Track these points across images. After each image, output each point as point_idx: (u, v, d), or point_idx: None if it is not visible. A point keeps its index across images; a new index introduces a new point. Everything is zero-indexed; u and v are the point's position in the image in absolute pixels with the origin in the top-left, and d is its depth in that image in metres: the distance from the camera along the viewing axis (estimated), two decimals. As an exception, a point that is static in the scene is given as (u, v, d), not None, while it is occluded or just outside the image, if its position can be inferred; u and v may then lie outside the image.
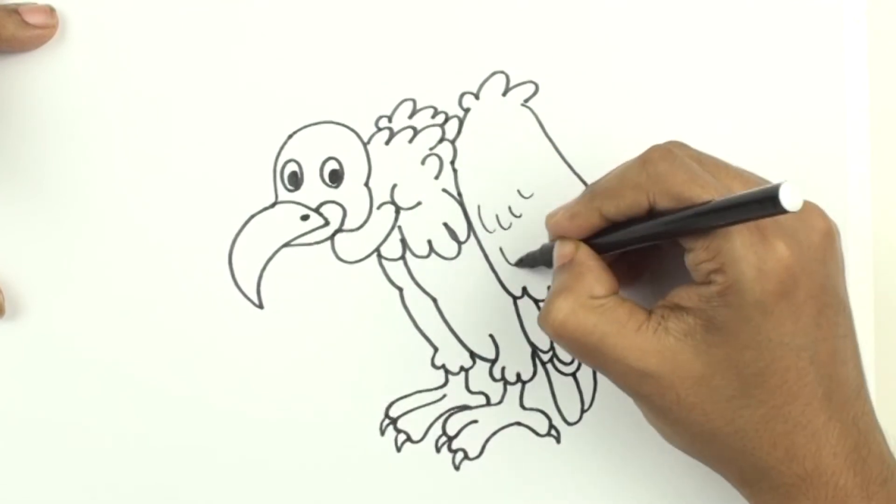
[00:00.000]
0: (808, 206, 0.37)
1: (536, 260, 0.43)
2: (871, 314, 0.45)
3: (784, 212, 0.30)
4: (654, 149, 0.37)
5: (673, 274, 0.38)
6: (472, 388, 0.45)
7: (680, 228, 0.35)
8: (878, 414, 0.38)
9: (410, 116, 0.44)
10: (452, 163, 0.44)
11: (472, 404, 0.45)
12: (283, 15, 0.44)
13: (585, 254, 0.38)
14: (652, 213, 0.36)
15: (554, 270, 0.39)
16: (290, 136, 0.44)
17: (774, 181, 0.31)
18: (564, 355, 0.45)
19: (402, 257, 0.44)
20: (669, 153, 0.36)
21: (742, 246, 0.34)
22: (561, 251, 0.39)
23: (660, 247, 0.41)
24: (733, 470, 0.38)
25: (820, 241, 0.36)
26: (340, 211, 0.44)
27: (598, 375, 0.45)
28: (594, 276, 0.38)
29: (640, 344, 0.36)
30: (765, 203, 0.31)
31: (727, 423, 0.36)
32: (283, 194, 0.44)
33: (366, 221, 0.44)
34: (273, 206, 0.44)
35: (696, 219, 0.35)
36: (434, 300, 0.45)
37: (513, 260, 0.44)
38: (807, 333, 0.35)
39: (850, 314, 0.37)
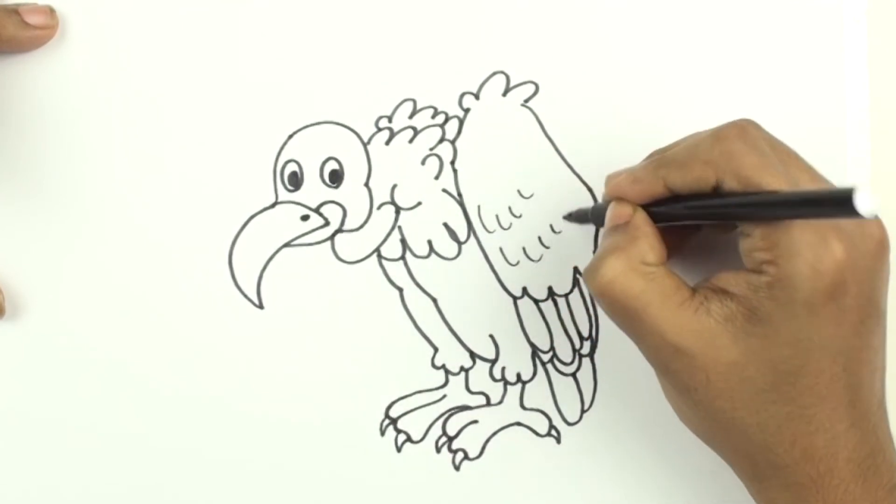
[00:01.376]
0: None
1: (586, 217, 0.42)
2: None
3: (857, 216, 0.29)
4: (731, 125, 0.36)
5: (715, 256, 0.38)
6: (472, 389, 0.45)
7: (744, 213, 0.35)
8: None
9: (410, 116, 0.44)
10: (452, 163, 0.44)
11: (472, 404, 0.45)
12: (282, 15, 0.44)
13: (642, 219, 0.38)
14: (717, 191, 0.36)
15: (605, 230, 0.39)
16: (290, 136, 0.44)
17: (841, 183, 0.30)
18: (565, 355, 0.45)
19: (402, 257, 0.44)
20: (745, 132, 0.36)
21: (801, 241, 0.34)
22: (618, 211, 0.38)
23: (704, 227, 0.40)
24: (746, 462, 0.37)
25: (875, 249, 0.36)
26: (340, 211, 0.44)
27: (598, 375, 0.45)
28: (648, 243, 0.37)
29: (680, 320, 0.36)
30: (840, 205, 0.30)
31: (751, 415, 0.36)
32: (283, 194, 0.44)
33: (366, 221, 0.44)
34: (273, 206, 0.44)
35: (764, 208, 0.34)
36: (434, 300, 0.45)
37: (513, 260, 0.44)
38: (846, 339, 0.35)
39: (885, 327, 0.37)
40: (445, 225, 0.44)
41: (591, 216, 0.42)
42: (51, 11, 0.43)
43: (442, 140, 0.44)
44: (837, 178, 0.45)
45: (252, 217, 0.44)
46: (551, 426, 0.45)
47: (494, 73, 0.45)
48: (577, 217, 0.43)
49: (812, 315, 0.34)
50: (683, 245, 0.41)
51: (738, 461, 0.38)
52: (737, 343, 0.35)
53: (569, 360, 0.45)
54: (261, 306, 0.44)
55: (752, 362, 0.35)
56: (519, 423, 0.45)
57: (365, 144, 0.44)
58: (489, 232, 0.44)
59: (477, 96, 0.44)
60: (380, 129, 0.44)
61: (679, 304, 0.36)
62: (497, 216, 0.44)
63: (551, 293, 0.45)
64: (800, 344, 0.35)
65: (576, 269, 0.45)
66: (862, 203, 0.29)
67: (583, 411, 0.45)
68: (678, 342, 0.36)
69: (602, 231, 0.39)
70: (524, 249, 0.44)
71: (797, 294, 0.34)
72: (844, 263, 0.34)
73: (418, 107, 0.44)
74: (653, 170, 0.38)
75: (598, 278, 0.37)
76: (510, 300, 0.45)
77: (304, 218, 0.44)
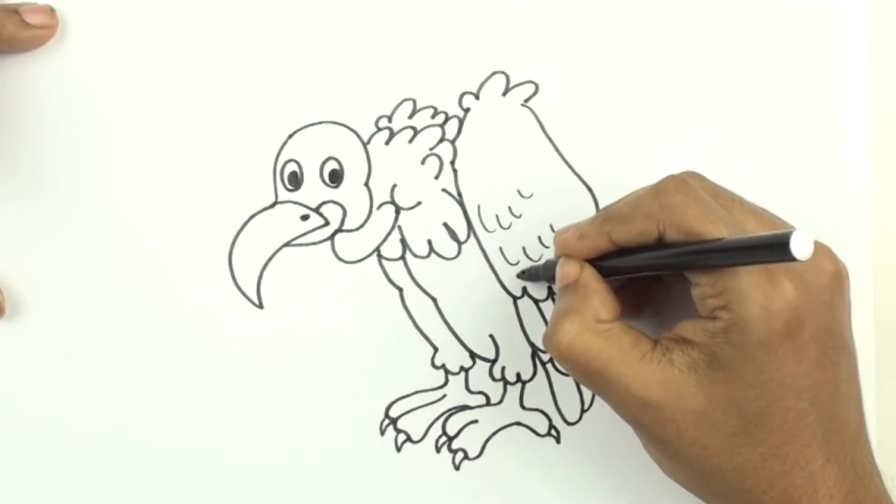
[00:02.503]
0: (818, 248, 0.36)
1: (539, 274, 0.43)
2: (871, 317, 0.45)
3: (793, 259, 0.30)
4: (670, 179, 0.37)
5: (678, 308, 0.38)
6: (472, 388, 0.45)
7: (687, 262, 0.35)
8: (879, 427, 0.38)
9: (410, 116, 0.44)
10: (452, 163, 0.44)
11: (472, 404, 0.45)
12: (282, 15, 0.44)
13: (590, 275, 0.38)
14: (661, 244, 0.36)
15: (557, 290, 0.39)
16: (290, 136, 0.44)
17: (785, 227, 0.31)
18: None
19: (402, 257, 0.44)
20: (685, 184, 0.36)
21: (749, 285, 0.34)
22: (565, 270, 0.39)
23: (665, 280, 0.41)
24: None
25: (828, 283, 0.36)
26: (340, 211, 0.44)
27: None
28: (599, 300, 0.38)
29: (644, 373, 0.36)
30: (774, 249, 0.31)
31: (726, 460, 0.36)
32: (283, 194, 0.44)
33: (366, 221, 0.44)
34: (273, 206, 0.44)
35: (705, 255, 0.34)
36: (434, 300, 0.45)
37: (513, 260, 0.44)
38: (809, 375, 0.35)
39: (854, 357, 0.37)
40: (445, 225, 0.44)
41: (542, 273, 0.43)
42: (51, 11, 0.43)
43: (442, 140, 0.44)
44: (837, 179, 0.45)
45: (252, 217, 0.44)
46: (551, 426, 0.45)
47: (494, 73, 0.45)
48: (530, 275, 0.44)
49: (770, 355, 0.34)
50: (646, 301, 0.42)
51: None
52: (702, 390, 0.36)
53: (569, 359, 0.45)
54: (261, 306, 0.44)
55: (719, 408, 0.35)
56: (519, 423, 0.45)
57: (365, 144, 0.44)
58: (489, 232, 0.44)
59: (477, 96, 0.44)
60: (380, 129, 0.44)
61: (640, 357, 0.36)
62: (497, 216, 0.44)
63: (551, 293, 0.45)
64: (762, 385, 0.35)
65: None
66: (797, 247, 0.30)
67: (583, 411, 0.45)
68: (644, 396, 0.36)
69: (555, 289, 0.39)
70: (524, 249, 0.44)
71: (752, 336, 0.34)
72: (796, 301, 0.34)
73: (418, 107, 0.44)
74: (598, 225, 0.38)
75: (557, 343, 0.37)
76: (510, 300, 0.45)
77: (304, 218, 0.44)
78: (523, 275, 0.44)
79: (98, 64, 0.44)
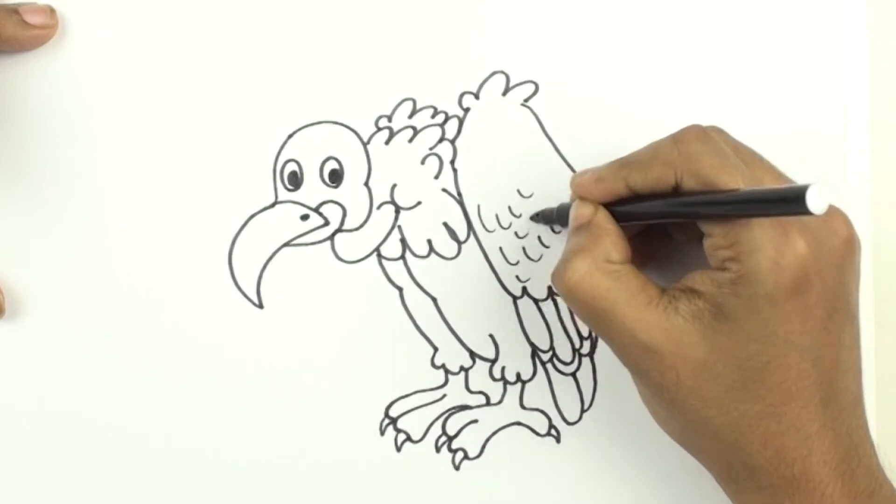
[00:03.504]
0: (834, 211, 0.37)
1: (552, 217, 0.43)
2: (872, 315, 0.45)
3: (808, 213, 0.30)
4: (691, 128, 0.37)
5: (684, 265, 0.38)
6: (472, 388, 0.45)
7: (701, 212, 0.35)
8: (880, 416, 0.38)
9: (410, 116, 0.44)
10: (452, 163, 0.44)
11: (472, 404, 0.45)
12: (282, 15, 0.44)
13: (604, 217, 0.38)
14: (677, 192, 0.36)
15: (570, 230, 0.39)
16: (290, 136, 0.44)
17: (805, 182, 0.31)
18: (565, 355, 0.45)
19: (402, 257, 0.44)
20: (704, 135, 0.36)
21: (761, 237, 0.34)
22: (580, 211, 0.39)
23: (674, 237, 0.41)
24: (721, 464, 0.37)
25: (840, 246, 0.36)
26: (340, 211, 0.44)
27: (598, 375, 0.45)
28: (611, 241, 0.37)
29: (649, 318, 0.36)
30: (790, 202, 0.31)
31: (722, 414, 0.36)
32: (283, 194, 0.44)
33: (366, 221, 0.44)
34: (273, 205, 0.44)
35: (719, 206, 0.34)
36: (434, 300, 0.45)
37: (513, 260, 0.44)
38: (813, 336, 0.35)
39: (857, 326, 0.37)
40: (445, 224, 0.44)
41: (556, 216, 0.43)
42: (51, 11, 0.43)
43: (442, 140, 0.44)
44: (837, 178, 0.45)
45: (252, 217, 0.44)
46: (551, 426, 0.45)
47: (494, 73, 0.45)
48: (543, 217, 0.44)
49: (776, 309, 0.34)
50: (655, 253, 0.42)
51: (712, 463, 0.38)
52: (705, 340, 0.36)
53: (569, 359, 0.45)
54: (261, 306, 0.44)
55: (720, 360, 0.35)
56: (519, 423, 0.45)
57: (365, 144, 0.44)
58: (489, 231, 0.44)
59: (477, 96, 0.44)
60: (379, 129, 0.44)
61: (647, 302, 0.36)
62: (497, 216, 0.44)
63: (551, 293, 0.45)
64: (765, 339, 0.35)
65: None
66: (812, 200, 0.30)
67: (583, 411, 0.45)
68: (647, 340, 0.36)
69: (567, 231, 0.39)
70: (524, 249, 0.44)
71: (759, 289, 0.34)
72: (807, 258, 0.34)
73: (418, 106, 0.44)
74: (616, 170, 0.38)
75: (565, 280, 0.37)
76: (510, 300, 0.45)
77: (304, 217, 0.44)
78: (537, 217, 0.44)
79: (98, 64, 0.44)
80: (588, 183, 0.39)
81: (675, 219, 0.37)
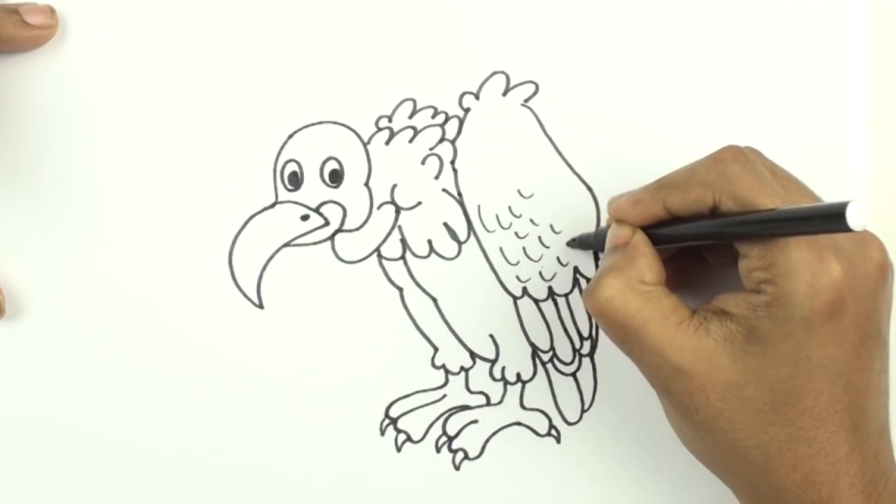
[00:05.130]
0: (869, 237, 0.37)
1: (590, 243, 0.43)
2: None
3: (848, 230, 0.30)
4: (729, 149, 0.37)
5: (718, 286, 0.38)
6: (472, 388, 0.45)
7: (739, 232, 0.35)
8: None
9: (410, 116, 0.44)
10: (452, 163, 0.44)
11: (472, 404, 0.45)
12: (283, 15, 0.44)
13: (641, 239, 0.38)
14: (715, 213, 0.36)
15: (605, 251, 0.39)
16: (290, 136, 0.44)
17: (850, 200, 0.31)
18: (565, 355, 0.45)
19: (402, 257, 0.44)
20: (743, 156, 0.36)
21: (798, 260, 0.34)
22: (618, 232, 0.39)
23: (708, 260, 0.40)
24: (748, 487, 0.37)
25: (874, 272, 0.36)
26: (340, 211, 0.44)
27: (598, 375, 0.45)
28: (646, 262, 0.37)
29: (679, 339, 0.36)
30: (830, 218, 0.30)
31: (751, 437, 0.36)
32: (283, 194, 0.44)
33: (366, 221, 0.44)
34: (273, 206, 0.44)
35: (758, 225, 0.34)
36: (434, 300, 0.44)
37: (513, 260, 0.44)
38: (845, 361, 0.35)
39: (888, 352, 0.37)
40: (445, 225, 0.44)
41: (593, 240, 0.43)
42: (51, 11, 0.43)
43: (442, 140, 0.44)
44: (837, 178, 0.45)
45: (252, 217, 0.44)
46: (551, 426, 0.45)
47: (494, 73, 0.45)
48: (580, 243, 0.44)
49: (810, 333, 0.34)
50: (689, 275, 0.42)
51: (740, 485, 0.38)
52: (736, 363, 0.35)
53: (569, 359, 0.45)
54: (261, 306, 0.44)
55: (751, 382, 0.35)
56: (519, 423, 0.45)
57: (365, 144, 0.44)
58: (489, 232, 0.44)
59: (477, 96, 0.44)
60: (380, 129, 0.44)
61: (678, 323, 0.36)
62: (497, 216, 0.44)
63: (551, 293, 0.45)
64: (798, 363, 0.35)
65: (576, 270, 0.44)
66: (853, 217, 0.30)
67: (583, 411, 0.45)
68: (677, 361, 0.36)
69: (602, 254, 0.39)
70: (524, 249, 0.44)
71: (795, 312, 0.34)
72: (842, 282, 0.34)
73: (418, 106, 0.44)
74: (652, 192, 0.38)
75: (597, 297, 0.37)
76: (510, 300, 0.45)
77: (304, 218, 0.44)
78: (574, 242, 0.44)
79: (98, 64, 0.44)
80: (626, 206, 0.39)
81: (712, 240, 0.37)
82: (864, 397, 0.36)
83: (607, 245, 0.39)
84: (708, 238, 0.37)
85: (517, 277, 0.44)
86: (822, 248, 0.34)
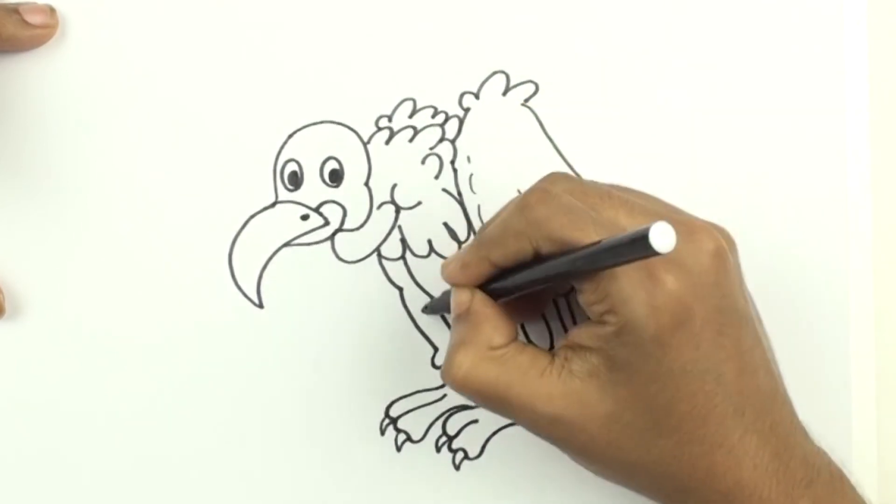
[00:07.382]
0: (696, 227, 0.36)
1: (439, 307, 0.43)
2: (872, 322, 0.45)
3: (656, 254, 0.29)
4: (531, 192, 0.36)
5: (575, 308, 0.38)
6: (472, 388, 0.45)
7: (564, 272, 0.35)
8: (880, 426, 0.38)
9: (410, 116, 0.44)
10: (452, 163, 0.44)
11: (472, 404, 0.45)
12: (282, 15, 0.44)
13: (481, 302, 0.38)
14: (538, 258, 0.36)
15: (452, 320, 0.39)
16: (290, 136, 0.44)
17: (657, 215, 0.29)
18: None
19: (402, 257, 0.44)
20: (546, 195, 0.36)
21: (629, 285, 0.34)
22: (457, 299, 0.38)
23: (556, 290, 0.41)
24: (660, 494, 0.38)
25: (710, 262, 0.35)
26: (340, 211, 0.44)
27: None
28: (491, 326, 0.37)
29: (546, 389, 0.36)
30: (636, 246, 0.29)
31: (644, 454, 0.36)
32: (283, 194, 0.44)
33: (366, 221, 0.44)
34: (273, 205, 0.44)
35: (578, 262, 0.34)
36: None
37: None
38: (708, 357, 0.35)
39: (753, 324, 0.37)
40: (445, 224, 0.44)
41: (438, 305, 0.43)
42: (51, 11, 0.43)
43: (442, 139, 0.44)
44: (837, 178, 0.45)
45: (252, 217, 0.44)
46: (551, 426, 0.45)
47: (494, 73, 0.45)
48: (432, 309, 0.44)
49: (665, 349, 0.34)
50: (544, 303, 0.42)
51: (653, 494, 0.38)
52: (606, 395, 0.36)
53: (569, 359, 0.45)
54: (261, 306, 0.44)
55: (627, 408, 0.35)
56: (519, 423, 0.45)
57: (365, 144, 0.44)
58: (489, 231, 0.44)
59: (477, 96, 0.44)
60: (380, 129, 0.44)
61: (539, 375, 0.36)
62: (497, 216, 0.44)
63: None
64: (663, 377, 0.35)
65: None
66: (657, 241, 0.28)
67: (583, 411, 0.45)
68: (551, 412, 0.36)
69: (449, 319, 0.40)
70: (524, 249, 0.44)
71: (643, 334, 0.34)
72: (680, 291, 0.34)
73: (418, 106, 0.44)
74: (475, 251, 0.38)
75: (453, 375, 0.37)
76: (510, 300, 0.45)
77: (304, 217, 0.44)
78: (426, 309, 0.44)
79: (98, 64, 0.44)
80: (456, 272, 0.39)
81: (547, 283, 0.37)
82: (740, 380, 0.36)
83: (451, 315, 0.39)
84: (542, 283, 0.36)
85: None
86: (650, 266, 0.34)
